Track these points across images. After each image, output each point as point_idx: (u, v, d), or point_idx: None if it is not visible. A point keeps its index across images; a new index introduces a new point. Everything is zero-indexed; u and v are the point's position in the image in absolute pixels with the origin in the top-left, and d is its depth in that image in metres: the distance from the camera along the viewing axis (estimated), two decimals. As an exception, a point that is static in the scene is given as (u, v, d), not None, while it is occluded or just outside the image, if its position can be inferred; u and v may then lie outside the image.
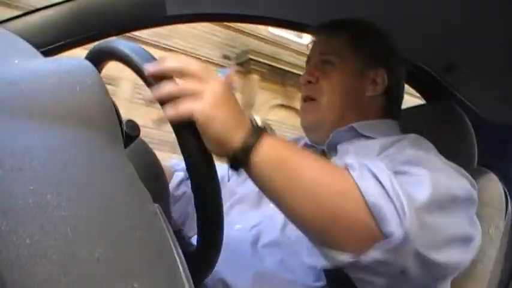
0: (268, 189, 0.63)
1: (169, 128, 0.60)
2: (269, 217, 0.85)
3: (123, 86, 7.41)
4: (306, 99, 0.97)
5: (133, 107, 6.38)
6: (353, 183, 0.60)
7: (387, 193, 0.60)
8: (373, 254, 0.60)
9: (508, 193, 0.98)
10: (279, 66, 9.02)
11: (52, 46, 0.93)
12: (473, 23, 1.07)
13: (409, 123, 1.06)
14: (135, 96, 7.35)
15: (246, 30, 8.83)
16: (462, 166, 0.86)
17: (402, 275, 0.63)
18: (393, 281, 0.65)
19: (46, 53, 0.89)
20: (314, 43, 1.02)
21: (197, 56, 7.75)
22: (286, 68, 8.91)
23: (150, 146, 0.81)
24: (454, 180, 0.71)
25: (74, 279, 0.30)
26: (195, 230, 0.63)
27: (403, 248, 0.60)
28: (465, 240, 0.69)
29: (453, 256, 0.66)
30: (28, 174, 0.32)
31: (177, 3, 1.06)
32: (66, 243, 0.31)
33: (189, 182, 0.62)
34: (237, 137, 0.60)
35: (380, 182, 0.60)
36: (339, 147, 0.91)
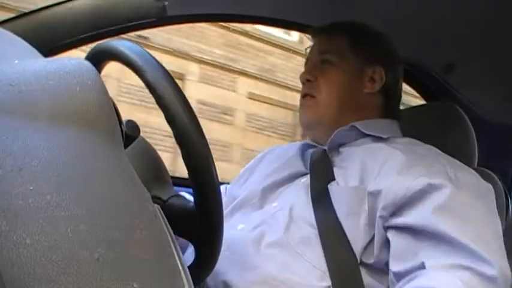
0: None
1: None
2: (272, 217, 0.85)
3: (238, 116, 7.98)
4: (305, 96, 0.98)
5: (247, 135, 7.04)
6: None
7: None
8: None
9: (508, 193, 0.98)
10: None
11: (52, 47, 0.93)
12: (473, 23, 1.07)
13: (409, 123, 1.06)
14: (248, 125, 8.00)
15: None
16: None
17: None
18: None
19: (46, 54, 0.89)
20: (313, 43, 1.03)
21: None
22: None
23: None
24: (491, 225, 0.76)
25: (73, 279, 0.30)
26: None
27: None
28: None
29: None
30: (28, 174, 0.33)
31: (177, 3, 1.06)
32: (66, 243, 0.31)
33: None
34: None
35: None
36: (342, 149, 0.91)
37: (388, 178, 0.78)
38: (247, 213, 0.92)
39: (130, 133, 0.63)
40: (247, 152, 7.21)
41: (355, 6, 1.09)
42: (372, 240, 0.77)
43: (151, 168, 0.71)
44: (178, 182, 1.00)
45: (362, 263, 0.76)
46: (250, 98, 8.02)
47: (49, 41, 0.93)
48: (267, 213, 0.87)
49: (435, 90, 1.34)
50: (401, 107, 1.05)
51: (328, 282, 0.75)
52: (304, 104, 0.98)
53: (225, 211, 0.89)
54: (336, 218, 0.79)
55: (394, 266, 0.73)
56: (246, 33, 7.76)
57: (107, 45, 0.70)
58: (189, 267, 0.60)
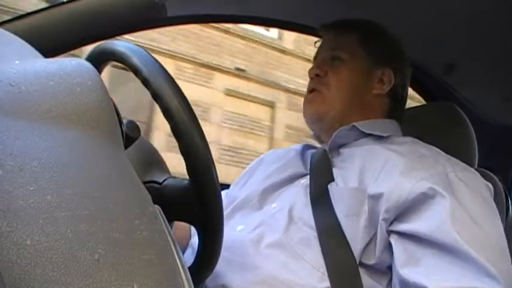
0: None
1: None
2: (272, 218, 0.85)
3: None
4: (312, 91, 0.98)
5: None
6: None
7: None
8: None
9: (508, 194, 0.98)
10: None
11: (52, 47, 0.93)
12: (473, 23, 1.07)
13: (410, 124, 1.06)
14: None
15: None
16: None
17: None
18: None
19: (46, 54, 0.89)
20: (323, 40, 1.03)
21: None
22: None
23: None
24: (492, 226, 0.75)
25: (74, 279, 0.30)
26: None
27: None
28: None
29: None
30: (28, 174, 0.33)
31: (177, 4, 1.06)
32: (67, 243, 0.31)
33: None
34: None
35: None
36: (342, 150, 0.91)
37: (389, 180, 0.78)
38: (246, 215, 0.91)
39: (130, 134, 0.63)
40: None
41: (355, 7, 1.09)
42: (371, 241, 0.77)
43: (146, 154, 0.71)
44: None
45: (362, 264, 0.76)
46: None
47: (49, 42, 0.93)
48: (267, 214, 0.87)
49: (435, 91, 1.34)
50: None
51: (328, 283, 0.75)
52: (311, 98, 0.97)
53: (225, 213, 0.89)
54: (336, 219, 0.79)
55: (399, 273, 0.73)
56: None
57: (107, 45, 0.70)
58: (189, 267, 0.60)
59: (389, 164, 0.81)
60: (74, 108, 0.38)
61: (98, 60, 0.69)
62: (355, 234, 0.77)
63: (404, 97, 1.02)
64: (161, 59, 0.64)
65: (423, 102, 1.40)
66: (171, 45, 8.09)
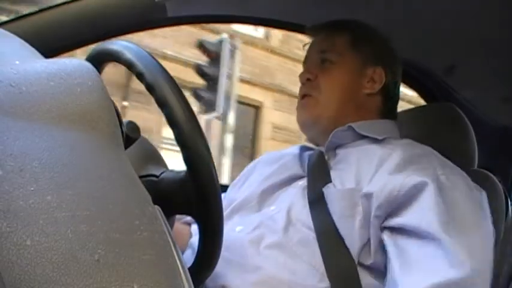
0: None
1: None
2: (271, 219, 0.85)
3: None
4: (304, 96, 0.97)
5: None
6: None
7: None
8: None
9: (508, 195, 0.98)
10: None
11: (53, 48, 0.93)
12: (473, 24, 1.07)
13: (410, 125, 1.06)
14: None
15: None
16: (462, 167, 0.86)
17: None
18: None
19: (47, 55, 0.89)
20: (312, 42, 1.03)
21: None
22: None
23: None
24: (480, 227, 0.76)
25: (74, 280, 0.30)
26: None
27: None
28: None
29: None
30: (28, 175, 0.33)
31: (177, 4, 1.06)
32: (67, 244, 0.31)
33: None
34: None
35: None
36: (339, 151, 0.91)
37: (381, 179, 0.79)
38: (245, 216, 0.92)
39: (130, 134, 0.64)
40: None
41: (355, 8, 1.09)
42: (368, 241, 0.77)
43: (142, 148, 0.71)
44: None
45: (360, 264, 0.77)
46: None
47: (50, 42, 0.93)
48: (266, 216, 0.87)
49: (435, 91, 1.34)
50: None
51: (327, 284, 0.75)
52: (304, 104, 0.97)
53: (224, 212, 0.89)
54: (332, 220, 0.79)
55: (391, 271, 0.73)
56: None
57: (107, 46, 0.70)
58: (189, 268, 0.60)
59: (383, 165, 0.82)
60: (74, 109, 0.39)
61: (99, 61, 0.69)
62: (352, 235, 0.77)
63: (396, 94, 1.02)
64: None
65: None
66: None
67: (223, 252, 0.65)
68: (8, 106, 0.36)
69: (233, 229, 0.87)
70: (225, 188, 1.08)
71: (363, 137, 0.91)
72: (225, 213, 0.93)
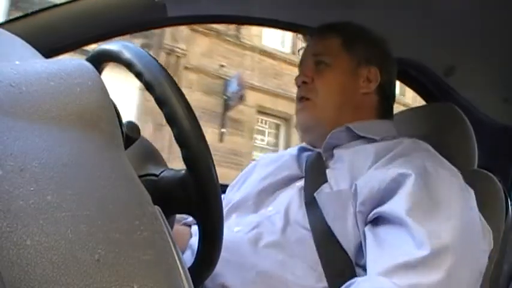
0: None
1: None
2: (268, 219, 0.85)
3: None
4: (301, 99, 0.98)
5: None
6: None
7: None
8: None
9: (508, 195, 0.98)
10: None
11: (53, 48, 0.93)
12: (473, 24, 1.07)
13: (410, 124, 1.06)
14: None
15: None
16: (462, 168, 0.86)
17: None
18: None
19: (47, 55, 0.90)
20: (306, 46, 1.04)
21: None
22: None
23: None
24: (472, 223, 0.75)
25: (74, 280, 0.30)
26: None
27: None
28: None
29: None
30: (29, 175, 0.33)
31: (178, 5, 1.06)
32: (67, 244, 0.31)
33: None
34: None
35: None
36: (335, 151, 0.91)
37: (367, 175, 0.79)
38: (243, 216, 0.92)
39: (130, 134, 0.64)
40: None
41: (355, 8, 1.09)
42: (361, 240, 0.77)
43: (141, 148, 0.71)
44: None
45: (357, 265, 0.77)
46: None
47: (50, 42, 0.93)
48: (263, 216, 0.87)
49: (435, 91, 1.34)
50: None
51: (325, 284, 0.76)
52: (301, 107, 0.98)
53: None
54: (326, 222, 0.79)
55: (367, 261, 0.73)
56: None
57: (107, 46, 0.70)
58: (189, 268, 0.60)
59: (377, 163, 0.82)
60: (74, 109, 0.38)
61: (99, 61, 0.69)
62: (346, 235, 0.77)
63: (392, 94, 1.02)
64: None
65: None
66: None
67: (222, 252, 0.65)
68: (8, 106, 0.36)
69: (231, 229, 0.87)
70: (223, 187, 1.08)
71: (360, 137, 0.92)
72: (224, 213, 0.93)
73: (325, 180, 0.85)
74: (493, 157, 1.20)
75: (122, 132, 0.58)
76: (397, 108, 1.07)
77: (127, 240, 0.34)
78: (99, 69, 0.70)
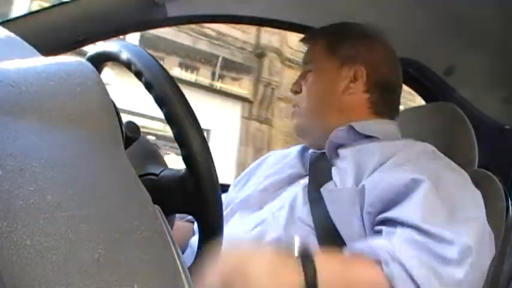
0: None
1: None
2: (272, 217, 0.86)
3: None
4: (293, 107, 1.02)
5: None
6: (385, 281, 0.64)
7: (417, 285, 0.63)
8: None
9: (508, 195, 0.98)
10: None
11: (52, 47, 0.93)
12: (473, 24, 1.07)
13: (410, 125, 1.06)
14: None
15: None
16: (462, 167, 0.86)
17: None
18: None
19: (47, 54, 0.89)
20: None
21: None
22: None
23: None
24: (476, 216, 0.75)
25: (74, 279, 0.30)
26: None
27: None
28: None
29: None
30: (28, 175, 0.33)
31: (177, 4, 1.06)
32: (67, 244, 0.31)
33: None
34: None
35: (410, 276, 0.64)
36: (340, 150, 0.91)
37: (377, 177, 0.79)
38: (246, 214, 0.92)
39: (130, 134, 0.64)
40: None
41: (355, 8, 1.09)
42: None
43: (141, 147, 0.71)
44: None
45: None
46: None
47: (50, 42, 0.93)
48: (267, 214, 0.87)
49: (435, 91, 1.34)
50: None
51: None
52: (292, 114, 1.02)
53: (225, 212, 0.89)
54: (331, 220, 0.79)
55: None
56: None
57: (107, 46, 0.70)
58: (189, 268, 0.60)
59: (383, 163, 0.82)
60: (74, 109, 0.38)
61: (99, 61, 0.69)
62: (351, 234, 0.77)
63: (392, 89, 0.99)
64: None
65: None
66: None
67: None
68: (8, 106, 0.36)
69: (235, 227, 0.87)
70: (224, 187, 1.08)
71: (365, 136, 0.91)
72: (226, 211, 0.93)
73: (330, 178, 0.85)
74: (493, 157, 1.20)
75: (122, 132, 0.58)
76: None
77: (127, 240, 0.34)
78: (99, 69, 0.70)
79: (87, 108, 0.39)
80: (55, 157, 0.35)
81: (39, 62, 0.44)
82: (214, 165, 0.60)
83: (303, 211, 0.83)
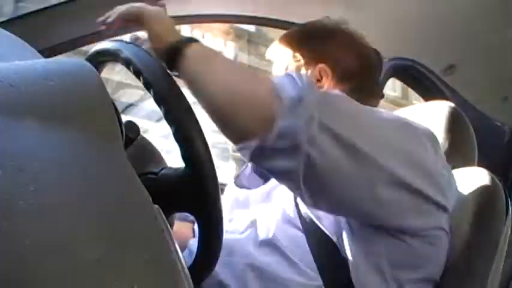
0: (193, 80, 0.69)
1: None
2: (263, 219, 0.86)
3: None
4: None
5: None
6: (270, 79, 0.70)
7: (296, 82, 0.67)
8: (276, 129, 0.64)
9: (508, 195, 0.98)
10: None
11: (52, 47, 0.93)
12: (473, 24, 1.07)
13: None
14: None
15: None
16: (462, 166, 0.86)
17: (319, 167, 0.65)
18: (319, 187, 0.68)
19: (46, 55, 0.90)
20: None
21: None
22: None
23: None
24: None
25: (74, 280, 0.30)
26: None
27: (299, 110, 0.64)
28: (404, 153, 0.72)
29: (386, 160, 0.69)
30: (28, 175, 0.33)
31: (177, 4, 1.06)
32: (66, 244, 0.31)
33: None
34: (173, 36, 0.72)
35: (294, 79, 0.68)
36: None
37: None
38: (238, 215, 0.92)
39: (130, 134, 0.64)
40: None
41: (355, 8, 1.09)
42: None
43: (140, 147, 0.72)
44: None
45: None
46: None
47: (49, 42, 0.93)
48: (258, 215, 0.88)
49: (435, 91, 1.34)
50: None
51: (320, 282, 0.76)
52: None
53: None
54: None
55: None
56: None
57: (106, 45, 0.70)
58: (189, 268, 0.60)
59: None
60: (73, 109, 0.39)
61: (98, 60, 0.69)
62: (335, 232, 0.77)
63: (360, 76, 0.95)
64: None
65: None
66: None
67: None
68: (7, 106, 0.36)
69: (226, 229, 0.88)
70: (224, 186, 1.09)
71: None
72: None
73: None
74: (493, 157, 1.20)
75: (122, 132, 0.58)
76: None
77: (127, 239, 0.34)
78: (99, 69, 0.70)
79: (87, 108, 0.39)
80: (55, 157, 0.35)
81: (39, 62, 0.44)
82: (213, 164, 0.60)
83: (292, 212, 0.84)
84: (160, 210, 0.47)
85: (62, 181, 0.34)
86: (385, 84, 1.45)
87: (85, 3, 0.98)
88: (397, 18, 1.10)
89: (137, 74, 0.61)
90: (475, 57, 1.18)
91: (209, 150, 0.60)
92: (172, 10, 1.06)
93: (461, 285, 0.85)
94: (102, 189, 0.36)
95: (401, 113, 1.09)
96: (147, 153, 0.73)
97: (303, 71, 0.95)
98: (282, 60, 0.98)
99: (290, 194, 0.87)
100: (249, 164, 0.99)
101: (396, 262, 0.76)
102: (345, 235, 0.77)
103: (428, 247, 0.76)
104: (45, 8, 0.96)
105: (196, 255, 0.66)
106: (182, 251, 0.92)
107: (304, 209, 0.81)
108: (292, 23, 1.25)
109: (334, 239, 0.77)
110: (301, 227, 0.81)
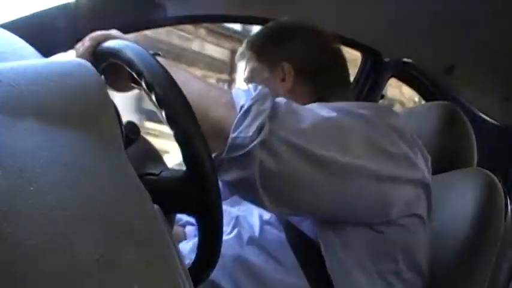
0: None
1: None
2: (245, 220, 0.88)
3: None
4: None
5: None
6: (229, 92, 0.73)
7: (250, 92, 0.70)
8: (229, 140, 0.67)
9: (508, 195, 0.98)
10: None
11: (53, 47, 0.93)
12: (473, 24, 1.07)
13: (409, 124, 1.06)
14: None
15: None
16: (462, 167, 0.86)
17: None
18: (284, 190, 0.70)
19: (47, 55, 0.90)
20: None
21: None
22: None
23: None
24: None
25: (73, 280, 0.30)
26: None
27: (249, 119, 0.67)
28: (361, 142, 0.73)
29: (343, 155, 0.70)
30: (28, 175, 0.33)
31: (177, 4, 1.07)
32: (66, 244, 0.31)
33: None
34: None
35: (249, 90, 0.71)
36: None
37: None
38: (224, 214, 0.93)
39: (130, 134, 0.64)
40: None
41: (356, 8, 1.09)
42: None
43: (140, 147, 0.72)
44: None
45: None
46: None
47: (50, 42, 0.93)
48: (239, 215, 0.89)
49: (435, 91, 1.34)
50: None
51: (305, 281, 0.78)
52: None
53: None
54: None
55: None
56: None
57: (107, 45, 0.70)
58: (189, 268, 0.60)
59: None
60: (74, 109, 0.39)
61: (99, 61, 0.69)
62: (314, 231, 0.78)
63: (323, 70, 0.96)
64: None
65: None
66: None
67: None
68: (7, 106, 0.36)
69: None
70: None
71: None
72: None
73: None
74: (493, 157, 1.20)
75: (122, 132, 0.58)
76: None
77: (127, 240, 0.34)
78: (100, 69, 0.70)
79: (87, 108, 0.39)
80: (55, 157, 0.35)
81: (39, 62, 0.44)
82: (214, 166, 0.60)
83: (272, 215, 0.84)
84: (160, 210, 0.47)
85: (62, 181, 0.34)
86: (385, 84, 1.45)
87: (85, 3, 0.98)
88: (397, 18, 1.10)
89: (138, 75, 0.61)
90: (475, 57, 1.18)
91: (210, 152, 0.60)
92: (173, 10, 1.06)
93: (461, 285, 0.85)
94: (102, 189, 0.36)
95: (402, 113, 1.10)
96: (147, 154, 0.73)
97: (267, 73, 0.95)
98: (248, 65, 0.98)
99: None
100: None
101: (376, 254, 0.77)
102: (323, 233, 0.77)
103: (406, 235, 0.78)
104: (46, 8, 0.96)
105: (196, 256, 0.66)
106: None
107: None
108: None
109: (314, 238, 0.78)
110: (282, 228, 0.82)
